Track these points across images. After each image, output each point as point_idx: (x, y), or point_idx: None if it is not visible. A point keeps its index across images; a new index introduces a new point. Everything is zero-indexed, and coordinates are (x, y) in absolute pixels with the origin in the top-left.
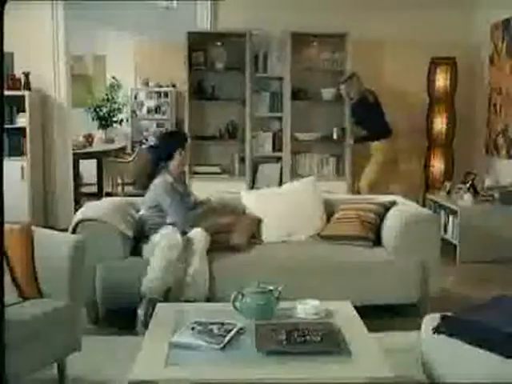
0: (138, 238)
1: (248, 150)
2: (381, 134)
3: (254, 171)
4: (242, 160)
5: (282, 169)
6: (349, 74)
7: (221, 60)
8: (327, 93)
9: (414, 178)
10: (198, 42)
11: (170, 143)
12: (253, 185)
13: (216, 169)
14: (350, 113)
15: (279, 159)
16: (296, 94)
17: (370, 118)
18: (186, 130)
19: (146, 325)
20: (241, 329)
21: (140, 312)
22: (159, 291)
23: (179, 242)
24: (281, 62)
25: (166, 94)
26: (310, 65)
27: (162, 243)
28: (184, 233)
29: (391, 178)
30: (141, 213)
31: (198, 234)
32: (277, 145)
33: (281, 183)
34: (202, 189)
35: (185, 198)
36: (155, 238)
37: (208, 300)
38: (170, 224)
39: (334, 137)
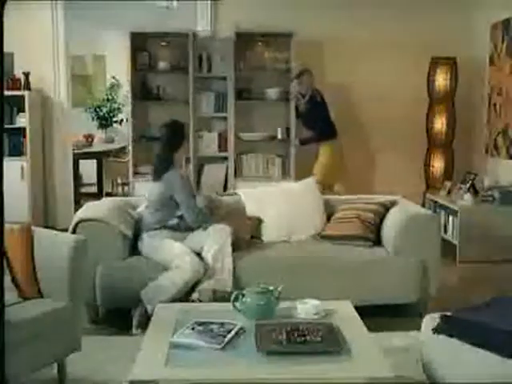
0: (137, 237)
1: (192, 151)
2: (329, 135)
3: (200, 171)
4: (188, 160)
5: (227, 169)
6: (301, 70)
7: (166, 60)
8: (272, 92)
9: (414, 178)
10: (143, 43)
11: (178, 134)
12: (198, 185)
13: None
14: (301, 112)
15: (225, 159)
16: (241, 94)
17: (319, 118)
18: (130, 130)
19: (140, 327)
20: (241, 329)
21: (135, 315)
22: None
23: (201, 273)
24: (225, 62)
25: None
26: (255, 64)
27: (187, 274)
28: (190, 229)
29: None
30: (140, 210)
31: (223, 228)
32: (222, 145)
33: (226, 183)
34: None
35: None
36: (163, 242)
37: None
38: (178, 217)
39: (279, 137)
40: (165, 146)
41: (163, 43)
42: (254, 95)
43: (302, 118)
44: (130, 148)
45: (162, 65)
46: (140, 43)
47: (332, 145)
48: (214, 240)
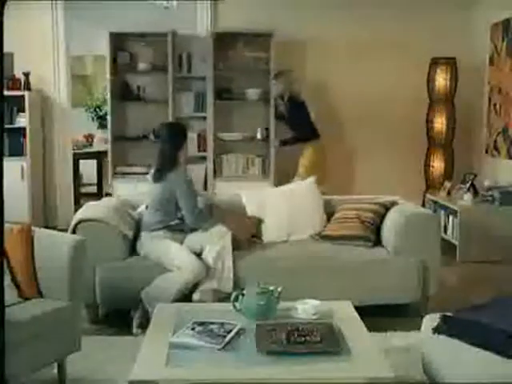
0: (137, 237)
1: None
2: (310, 136)
3: None
4: None
5: (206, 169)
6: (280, 71)
7: (146, 60)
8: (252, 93)
9: (414, 178)
10: (123, 43)
11: (180, 133)
12: None
13: (142, 169)
14: (280, 113)
15: (204, 159)
16: (220, 94)
17: (299, 119)
18: (109, 131)
19: (140, 327)
20: (241, 329)
21: (135, 315)
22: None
23: (201, 274)
24: (205, 62)
25: None
26: (235, 64)
27: (188, 276)
28: (190, 229)
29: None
30: (140, 210)
31: (223, 231)
32: (202, 145)
33: (206, 184)
34: (128, 189)
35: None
36: (164, 244)
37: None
38: (178, 218)
39: (258, 137)
40: (168, 146)
41: (143, 43)
42: (234, 95)
43: (281, 119)
44: (109, 148)
45: (142, 65)
46: (120, 43)
47: (313, 146)
48: (215, 241)
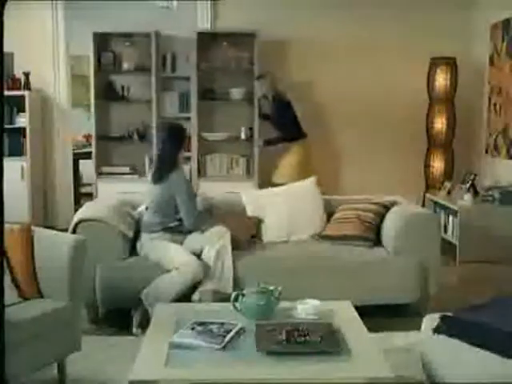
0: (137, 237)
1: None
2: (295, 136)
3: None
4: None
5: (191, 169)
6: (263, 72)
7: (130, 60)
8: (236, 92)
9: (414, 178)
10: (107, 43)
11: (180, 135)
12: None
13: (126, 169)
14: (265, 113)
15: (189, 160)
16: (204, 94)
17: (286, 118)
18: (94, 131)
19: (140, 326)
20: (241, 329)
21: (135, 315)
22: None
23: (200, 275)
24: (189, 63)
25: None
26: (219, 64)
27: (188, 276)
28: (190, 231)
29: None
30: (140, 209)
31: (223, 231)
32: (186, 145)
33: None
34: (112, 190)
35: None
36: (162, 245)
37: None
38: (177, 220)
39: (242, 137)
40: (168, 147)
41: (128, 43)
42: (218, 95)
43: (265, 118)
44: (94, 149)
45: (126, 65)
46: (104, 43)
47: (300, 146)
48: (214, 242)
